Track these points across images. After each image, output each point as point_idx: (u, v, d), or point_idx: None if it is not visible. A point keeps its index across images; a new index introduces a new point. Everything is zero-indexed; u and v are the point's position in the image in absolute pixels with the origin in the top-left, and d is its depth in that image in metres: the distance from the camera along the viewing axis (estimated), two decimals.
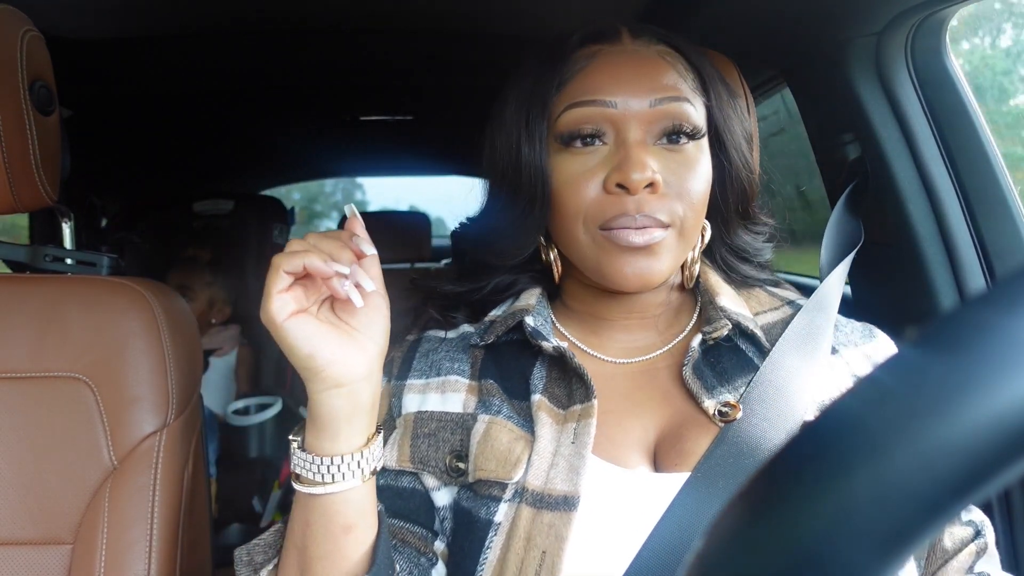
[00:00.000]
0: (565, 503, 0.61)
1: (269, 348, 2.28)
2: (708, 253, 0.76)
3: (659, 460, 0.65)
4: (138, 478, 0.85)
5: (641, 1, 1.20)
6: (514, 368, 0.71)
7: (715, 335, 0.69)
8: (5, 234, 2.13)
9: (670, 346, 0.72)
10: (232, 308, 2.21)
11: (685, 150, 0.66)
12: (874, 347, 0.73)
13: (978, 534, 0.67)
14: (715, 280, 0.74)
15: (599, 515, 0.61)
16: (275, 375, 2.26)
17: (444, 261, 2.45)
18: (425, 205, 4.01)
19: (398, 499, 0.67)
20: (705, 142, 0.68)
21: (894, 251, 1.08)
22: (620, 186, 0.63)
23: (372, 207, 4.98)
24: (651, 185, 0.63)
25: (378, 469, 0.60)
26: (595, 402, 0.65)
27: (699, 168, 0.66)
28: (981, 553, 0.66)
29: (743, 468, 0.61)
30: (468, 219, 0.78)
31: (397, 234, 2.45)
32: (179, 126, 2.28)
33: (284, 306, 0.54)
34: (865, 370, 0.70)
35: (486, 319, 0.75)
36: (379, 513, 0.62)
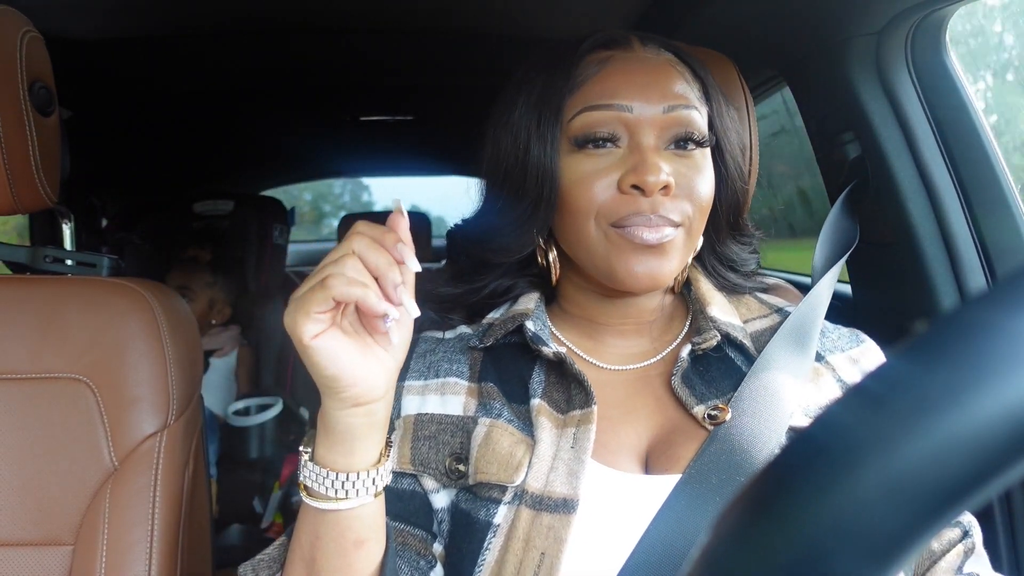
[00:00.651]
0: (564, 506, 0.61)
1: (269, 349, 2.28)
2: (698, 261, 0.77)
3: (651, 464, 0.66)
4: (138, 479, 0.85)
5: (641, 1, 1.20)
6: (513, 371, 0.72)
7: (704, 346, 0.70)
8: (19, 233, 2.12)
9: (662, 355, 0.73)
10: (232, 309, 2.21)
11: (693, 156, 0.68)
12: (861, 351, 0.74)
13: (966, 535, 0.67)
14: (707, 288, 0.75)
15: (596, 517, 0.62)
16: (275, 376, 2.26)
17: (444, 261, 2.45)
18: (428, 205, 4.02)
19: (398, 501, 0.68)
20: (708, 151, 0.70)
21: (894, 251, 1.08)
22: (635, 187, 0.64)
23: (378, 207, 4.98)
24: (665, 188, 0.64)
25: (388, 482, 0.59)
26: (595, 408, 0.66)
27: (706, 173, 0.68)
28: (969, 553, 0.66)
29: (733, 469, 0.62)
30: (465, 220, 0.78)
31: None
32: (179, 126, 2.28)
33: (317, 326, 0.51)
34: (851, 373, 0.71)
35: (484, 321, 0.75)
36: (387, 526, 0.61)
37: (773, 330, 0.73)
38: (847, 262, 1.20)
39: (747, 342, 0.72)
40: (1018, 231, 0.99)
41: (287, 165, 3.33)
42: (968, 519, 0.68)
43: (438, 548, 0.68)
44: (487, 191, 0.75)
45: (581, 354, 0.73)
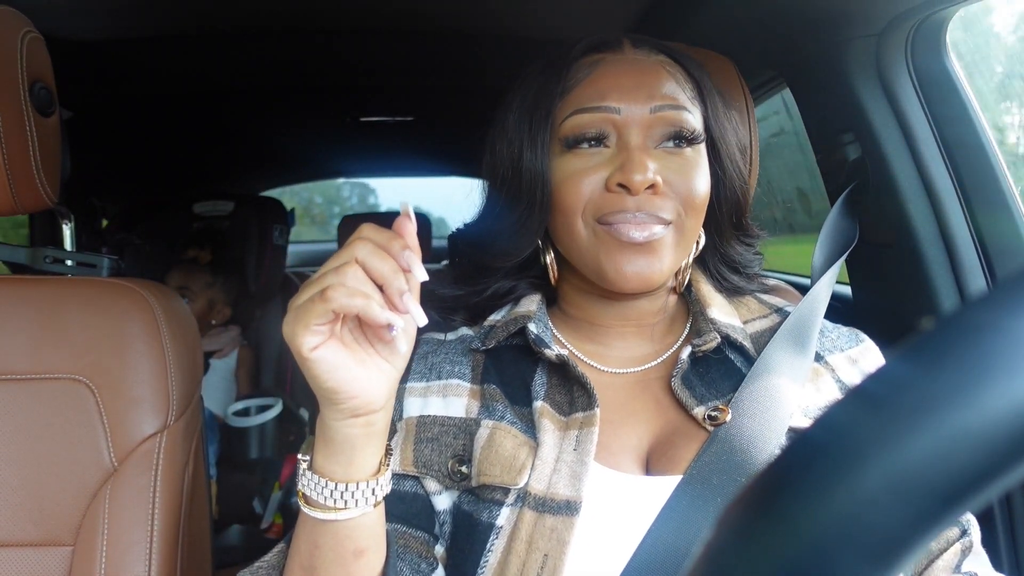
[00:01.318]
0: (568, 508, 0.61)
1: (269, 349, 2.28)
2: (700, 262, 0.77)
3: (651, 465, 0.66)
4: (138, 479, 0.85)
5: (641, 2, 1.20)
6: (515, 373, 0.72)
7: (704, 348, 0.70)
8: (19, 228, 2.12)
9: (663, 358, 0.73)
10: (232, 309, 2.21)
11: (684, 153, 0.68)
12: (860, 351, 0.74)
13: (964, 533, 0.67)
14: (707, 290, 0.75)
15: (598, 518, 0.62)
16: (275, 376, 2.26)
17: (444, 262, 2.45)
18: (430, 206, 4.02)
19: (400, 503, 0.68)
20: (703, 148, 0.70)
21: (894, 252, 1.08)
22: (621, 186, 0.64)
23: (383, 209, 4.99)
24: (652, 187, 0.64)
25: (388, 492, 0.57)
26: (598, 411, 0.66)
27: (699, 171, 0.68)
28: (967, 552, 0.66)
29: (733, 469, 0.62)
30: (466, 224, 0.78)
31: None
32: (179, 127, 2.28)
33: (316, 338, 0.49)
34: (850, 373, 0.72)
35: (486, 323, 0.75)
36: (387, 533, 0.61)
37: (773, 330, 0.73)
38: (847, 263, 1.20)
39: (747, 343, 0.72)
40: (1018, 232, 0.99)
41: (287, 166, 3.33)
42: (966, 517, 0.69)
43: (440, 550, 0.68)
44: (487, 195, 0.75)
45: (582, 357, 0.73)
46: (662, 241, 0.66)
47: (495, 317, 0.76)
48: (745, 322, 0.75)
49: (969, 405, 0.20)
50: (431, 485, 0.68)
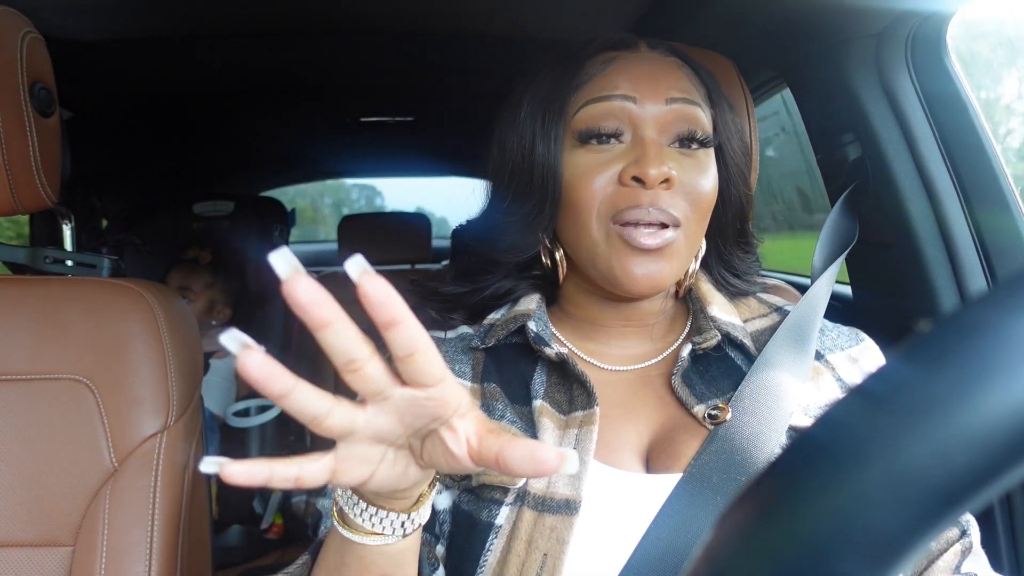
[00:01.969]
0: (567, 507, 0.61)
1: (269, 350, 2.27)
2: (705, 269, 0.77)
3: (652, 463, 0.66)
4: (138, 480, 0.85)
5: (641, 2, 1.20)
6: (514, 372, 0.72)
7: (704, 345, 0.70)
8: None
9: (663, 355, 0.73)
10: (232, 310, 2.21)
11: (696, 155, 0.68)
12: (860, 350, 0.74)
13: (963, 534, 0.67)
14: (707, 288, 0.75)
15: (598, 516, 0.62)
16: None
17: (444, 262, 2.45)
18: (433, 205, 4.02)
19: None
20: (712, 152, 0.70)
21: (894, 252, 1.08)
22: (636, 179, 0.64)
23: (387, 209, 5.00)
24: (666, 181, 0.64)
25: (423, 523, 0.53)
26: (597, 409, 0.66)
27: (709, 173, 0.68)
28: (967, 552, 0.66)
29: (734, 467, 0.62)
30: (471, 219, 0.78)
31: (397, 235, 2.45)
32: (179, 127, 2.28)
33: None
34: (850, 372, 0.72)
35: (485, 322, 0.75)
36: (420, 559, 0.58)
37: (773, 329, 0.73)
38: (847, 263, 1.20)
39: (747, 341, 0.72)
40: (1018, 232, 0.99)
41: (287, 166, 3.33)
42: (966, 518, 0.69)
43: (440, 550, 0.68)
44: (494, 191, 0.75)
45: (582, 355, 0.73)
46: (673, 246, 0.65)
47: (494, 316, 0.76)
48: (745, 321, 0.75)
49: (970, 405, 0.20)
50: None
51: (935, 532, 0.21)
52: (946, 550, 0.66)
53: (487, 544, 0.63)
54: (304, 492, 2.14)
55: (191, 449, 0.92)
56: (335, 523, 0.53)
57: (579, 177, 0.67)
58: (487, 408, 0.69)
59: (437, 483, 0.55)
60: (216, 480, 1.87)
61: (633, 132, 0.66)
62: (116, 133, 2.11)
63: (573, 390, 0.69)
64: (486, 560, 0.62)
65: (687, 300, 0.77)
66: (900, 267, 1.08)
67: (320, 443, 2.19)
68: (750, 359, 0.71)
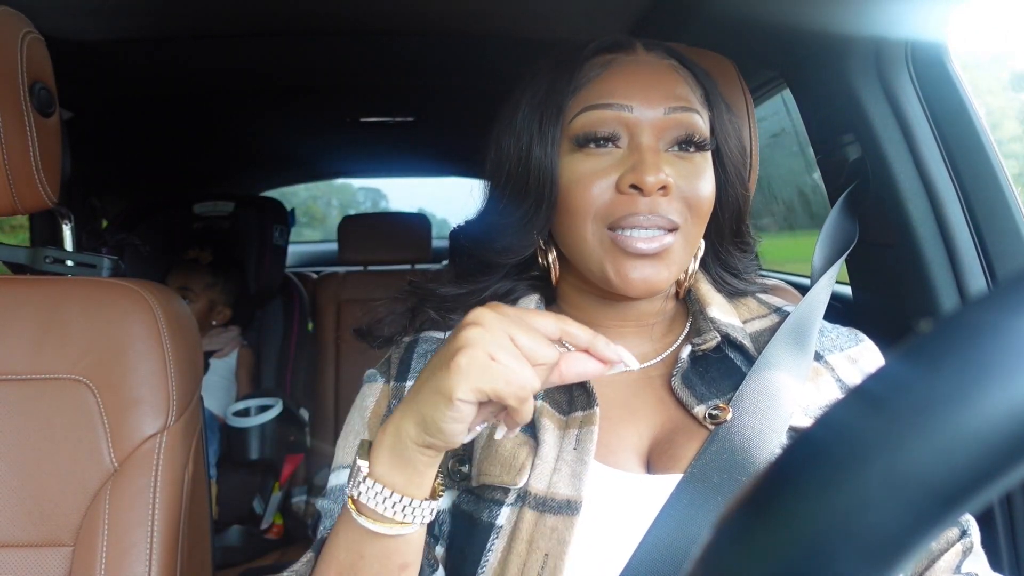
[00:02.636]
0: (568, 507, 0.61)
1: (269, 350, 2.28)
2: (701, 265, 0.77)
3: (652, 464, 0.66)
4: (139, 480, 0.85)
5: (641, 2, 1.20)
6: None
7: (704, 347, 0.71)
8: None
9: (663, 356, 0.73)
10: (232, 310, 2.21)
11: (694, 159, 0.68)
12: (859, 351, 0.74)
13: (964, 534, 0.67)
14: (706, 289, 0.76)
15: (599, 517, 0.62)
16: (275, 377, 2.26)
17: (444, 262, 2.44)
18: (433, 206, 4.02)
19: None
20: (709, 154, 0.70)
21: (894, 252, 1.08)
22: (634, 187, 0.64)
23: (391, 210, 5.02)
24: (663, 188, 0.64)
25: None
26: (597, 410, 0.66)
27: (706, 177, 0.68)
28: (967, 552, 0.66)
29: (734, 468, 0.63)
30: (468, 220, 0.78)
31: (397, 235, 2.45)
32: (179, 128, 2.28)
33: (472, 395, 0.49)
34: (850, 373, 0.72)
35: None
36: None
37: (772, 330, 0.74)
38: (847, 263, 1.20)
39: (747, 342, 0.72)
40: (1018, 233, 0.99)
41: (287, 166, 3.33)
42: (966, 518, 0.69)
43: (439, 551, 0.68)
44: (491, 192, 0.75)
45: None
46: (670, 249, 0.66)
47: None
48: (745, 321, 0.76)
49: (969, 405, 0.20)
50: None
51: (935, 533, 0.21)
52: (947, 550, 0.66)
53: (488, 544, 0.63)
54: (304, 492, 2.14)
55: (191, 449, 0.92)
56: (355, 517, 0.54)
57: (576, 182, 0.66)
58: None
59: (441, 474, 0.58)
60: (216, 480, 1.87)
61: (630, 138, 0.66)
62: (116, 133, 2.11)
63: (573, 390, 0.69)
64: (487, 560, 0.62)
65: (687, 301, 0.77)
66: (900, 267, 1.08)
67: (321, 443, 2.21)
68: (749, 360, 0.71)
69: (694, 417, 0.67)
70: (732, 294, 0.78)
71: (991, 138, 1.01)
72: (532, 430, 0.66)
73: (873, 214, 1.08)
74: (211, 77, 1.75)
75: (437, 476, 0.56)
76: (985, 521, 0.85)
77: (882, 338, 0.75)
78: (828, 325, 0.77)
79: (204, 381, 1.05)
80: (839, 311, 0.87)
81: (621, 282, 0.65)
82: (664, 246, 0.65)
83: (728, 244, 0.76)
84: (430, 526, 0.67)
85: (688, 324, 0.75)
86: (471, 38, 1.46)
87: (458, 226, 0.79)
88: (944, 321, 0.22)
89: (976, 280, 1.01)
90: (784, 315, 0.76)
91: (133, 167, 2.56)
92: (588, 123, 0.66)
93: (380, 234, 2.45)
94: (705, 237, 0.73)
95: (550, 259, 0.73)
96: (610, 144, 0.66)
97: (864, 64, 1.05)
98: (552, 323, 0.52)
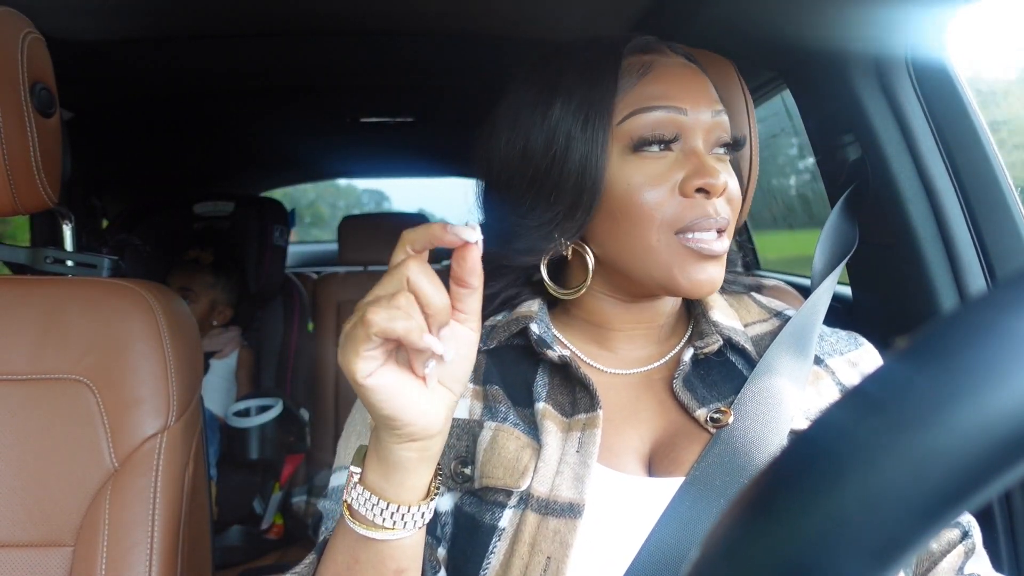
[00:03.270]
0: (571, 510, 0.61)
1: (269, 350, 2.28)
2: None
3: (654, 466, 0.66)
4: (139, 480, 0.85)
5: (641, 2, 1.20)
6: (516, 374, 0.71)
7: (706, 350, 0.71)
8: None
9: (665, 359, 0.73)
10: (233, 310, 2.21)
11: (727, 160, 0.70)
12: (859, 354, 0.74)
13: (965, 535, 0.67)
14: None
15: (601, 520, 0.62)
16: (276, 377, 2.26)
17: (445, 262, 2.44)
18: (433, 206, 4.02)
19: None
20: None
21: (894, 252, 1.08)
22: (700, 191, 0.65)
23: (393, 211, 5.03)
24: (725, 190, 0.66)
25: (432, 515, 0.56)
26: (600, 412, 0.66)
27: (734, 176, 0.69)
28: (969, 554, 0.66)
29: (736, 471, 0.63)
30: (481, 222, 0.76)
31: (397, 235, 2.44)
32: (179, 128, 2.28)
33: (369, 364, 0.47)
34: (850, 376, 0.72)
35: (487, 324, 0.75)
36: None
37: (773, 334, 0.74)
38: (848, 265, 1.20)
39: (748, 346, 0.72)
40: (1018, 233, 0.99)
41: (287, 167, 3.33)
42: (967, 519, 0.69)
43: (441, 552, 0.68)
44: (505, 194, 0.72)
45: (584, 358, 0.73)
46: (726, 248, 0.67)
47: (496, 317, 0.75)
48: (746, 325, 0.76)
49: (969, 405, 0.20)
50: None
51: (934, 533, 0.21)
52: (948, 552, 0.66)
53: (490, 547, 0.63)
54: (304, 492, 2.14)
55: (191, 449, 0.92)
56: (348, 522, 0.54)
57: (636, 189, 0.65)
58: (489, 410, 0.69)
59: (440, 475, 0.57)
60: (216, 480, 1.87)
61: (683, 141, 0.67)
62: (117, 133, 2.11)
63: (576, 393, 0.69)
64: (489, 563, 0.62)
65: (688, 304, 0.77)
66: (900, 268, 1.08)
67: (321, 443, 2.21)
68: (751, 364, 0.71)
69: (695, 420, 0.67)
70: (728, 291, 0.79)
71: (991, 138, 1.01)
72: (535, 432, 0.66)
73: (873, 214, 1.08)
74: (211, 77, 1.75)
75: (436, 476, 0.56)
76: (985, 521, 0.85)
77: (882, 338, 0.76)
78: (827, 329, 0.77)
79: (204, 381, 1.05)
80: (839, 312, 0.87)
81: (690, 284, 0.65)
82: (726, 247, 0.67)
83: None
84: (431, 527, 0.67)
85: (690, 327, 0.75)
86: (471, 38, 1.46)
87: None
88: (942, 321, 0.22)
89: (976, 280, 1.01)
90: (785, 319, 0.76)
91: (134, 167, 2.56)
92: (644, 125, 0.65)
93: (380, 234, 2.45)
94: None
95: (588, 262, 0.70)
96: (667, 147, 0.66)
97: (864, 64, 1.05)
98: (397, 253, 0.51)
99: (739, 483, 0.62)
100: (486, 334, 0.74)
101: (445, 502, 0.68)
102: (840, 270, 0.92)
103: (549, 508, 0.62)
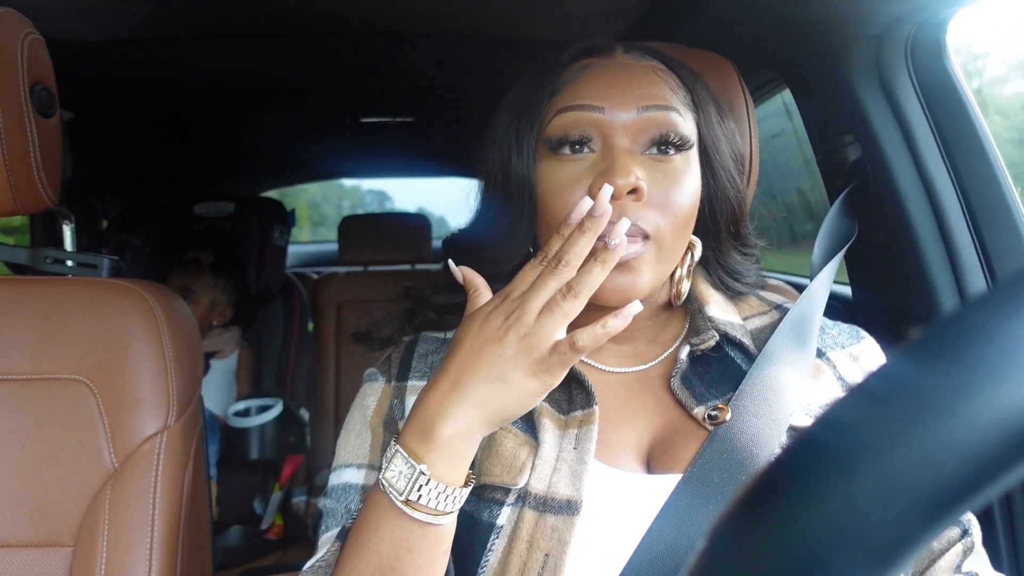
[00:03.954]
0: (568, 507, 0.62)
1: (270, 350, 2.28)
2: (702, 268, 0.76)
3: (652, 464, 0.66)
4: (139, 480, 0.85)
5: (641, 3, 1.20)
6: None
7: (702, 347, 0.70)
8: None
9: (662, 357, 0.73)
10: (233, 310, 2.21)
11: (673, 161, 0.65)
12: (860, 348, 0.74)
13: (965, 533, 0.67)
14: (705, 288, 0.75)
15: (599, 517, 0.62)
16: (276, 377, 2.26)
17: (433, 266, 2.44)
18: (433, 205, 4.03)
19: None
20: (693, 155, 0.67)
21: (894, 253, 1.08)
22: None
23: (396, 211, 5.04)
24: (635, 191, 0.62)
25: None
26: (596, 408, 0.66)
27: (686, 180, 0.65)
28: (968, 552, 0.66)
29: (735, 467, 0.62)
30: (460, 230, 0.77)
31: (397, 235, 2.45)
32: (180, 128, 2.28)
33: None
34: (851, 371, 0.71)
35: None
36: None
37: (773, 327, 0.73)
38: (848, 264, 1.20)
39: (746, 340, 0.72)
40: (1018, 233, 0.99)
41: (287, 167, 3.33)
42: (967, 517, 0.69)
43: None
44: (481, 200, 0.74)
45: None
46: (641, 258, 0.64)
47: None
48: (745, 318, 0.75)
49: (973, 404, 0.20)
50: None
51: (939, 531, 0.21)
52: (947, 549, 0.66)
53: (488, 544, 0.63)
54: (305, 493, 2.14)
55: (191, 449, 0.92)
56: (413, 513, 0.57)
57: (552, 190, 0.65)
58: None
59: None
60: (216, 481, 1.87)
61: (603, 141, 0.64)
62: (117, 134, 2.11)
63: (572, 390, 0.69)
64: (487, 560, 0.63)
65: (685, 300, 0.77)
66: (900, 268, 1.08)
67: (321, 443, 2.21)
68: (750, 358, 0.71)
69: (693, 418, 0.67)
70: (732, 294, 0.78)
71: (991, 138, 1.01)
72: (532, 430, 0.67)
73: (873, 214, 1.08)
74: (211, 78, 1.75)
75: None
76: (985, 521, 0.85)
77: (883, 339, 0.75)
78: (829, 322, 0.76)
79: (204, 382, 1.05)
80: (840, 312, 0.87)
81: (600, 293, 0.63)
82: (633, 254, 0.63)
83: (728, 247, 0.75)
84: None
85: (687, 324, 0.75)
86: (471, 39, 1.46)
87: (451, 234, 0.78)
88: (947, 319, 0.22)
89: (976, 280, 1.01)
90: (784, 311, 0.75)
91: (134, 168, 2.56)
92: (560, 126, 0.65)
93: (380, 234, 2.45)
94: (703, 238, 0.72)
95: None
96: (584, 148, 0.65)
97: (864, 64, 1.05)
98: (529, 272, 0.60)
99: (738, 479, 0.62)
100: None
101: None
102: (839, 260, 0.92)
103: (547, 505, 0.62)
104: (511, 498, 0.64)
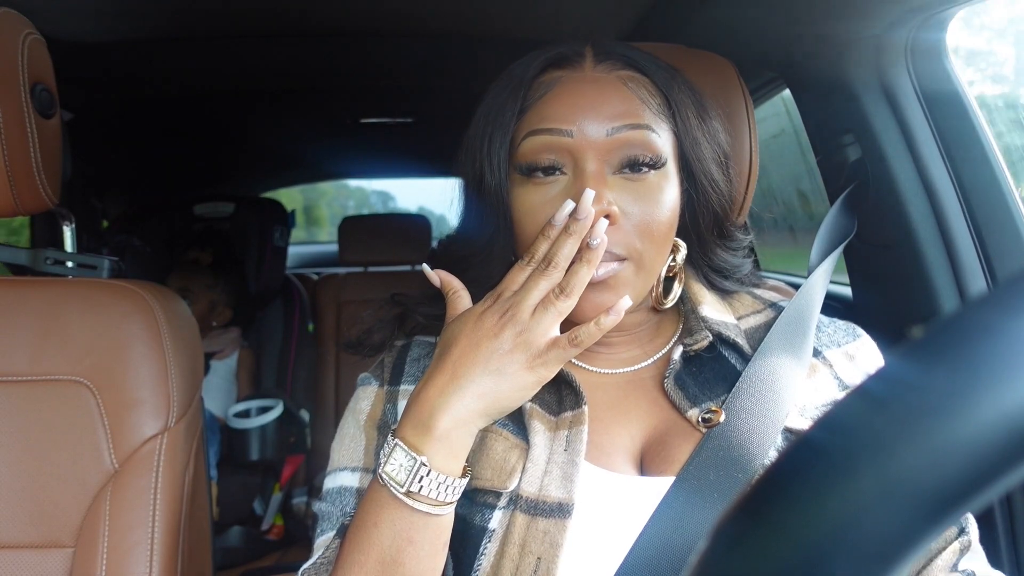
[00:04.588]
0: (560, 510, 0.61)
1: (270, 351, 2.28)
2: (690, 264, 0.75)
3: (645, 466, 0.66)
4: (139, 481, 0.85)
5: (641, 3, 1.20)
6: None
7: (696, 347, 0.70)
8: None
9: (655, 358, 0.72)
10: (233, 311, 2.21)
11: (647, 179, 0.64)
12: (856, 346, 0.73)
13: (962, 532, 0.67)
14: (697, 288, 0.74)
15: (591, 519, 0.62)
16: (276, 378, 2.26)
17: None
18: (433, 204, 4.03)
19: None
20: (670, 169, 0.66)
21: (894, 253, 1.08)
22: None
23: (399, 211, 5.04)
24: (608, 217, 0.61)
25: None
26: (585, 408, 0.66)
27: (662, 198, 0.64)
28: (965, 550, 0.66)
29: (728, 468, 0.62)
30: (448, 237, 0.76)
31: (397, 236, 2.45)
32: (180, 129, 2.28)
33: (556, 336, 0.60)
34: (848, 370, 0.71)
35: None
36: None
37: (768, 325, 0.72)
38: (848, 265, 1.20)
39: (740, 340, 0.71)
40: (1018, 234, 0.99)
41: (287, 167, 3.33)
42: (965, 516, 0.68)
43: None
44: (463, 207, 0.73)
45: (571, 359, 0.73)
46: (619, 277, 0.63)
47: None
48: (739, 317, 0.74)
49: (973, 405, 0.20)
50: None
51: (941, 532, 0.21)
52: (945, 548, 0.66)
53: (480, 548, 0.63)
54: (305, 493, 2.14)
55: (191, 450, 0.92)
56: (414, 504, 0.58)
57: (526, 212, 0.65)
58: None
59: None
60: (217, 481, 1.87)
61: (574, 165, 0.63)
62: (117, 134, 2.12)
63: (562, 391, 0.68)
64: (480, 564, 0.62)
65: (679, 301, 0.76)
66: (900, 268, 1.08)
67: (321, 444, 2.21)
68: (744, 358, 0.70)
69: (687, 419, 0.67)
70: (725, 292, 0.77)
71: (991, 138, 1.01)
72: (523, 432, 0.66)
73: (873, 214, 1.08)
74: (211, 78, 1.75)
75: None
76: (985, 521, 0.85)
77: (882, 339, 0.75)
78: (825, 319, 0.75)
79: (205, 382, 1.05)
80: (839, 312, 0.86)
81: (577, 311, 0.63)
82: (611, 272, 0.63)
83: (712, 247, 0.73)
84: None
85: (680, 324, 0.74)
86: (471, 40, 1.46)
87: (439, 243, 0.78)
88: (948, 319, 0.22)
89: (976, 280, 1.01)
90: (779, 310, 0.74)
91: (134, 168, 2.56)
92: (531, 150, 0.64)
93: (380, 235, 2.45)
94: (686, 240, 0.71)
95: None
96: (556, 172, 0.64)
97: (864, 64, 1.05)
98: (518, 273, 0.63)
99: (732, 480, 0.62)
100: None
101: None
102: (836, 258, 0.91)
103: (538, 509, 0.62)
104: (502, 501, 0.63)
